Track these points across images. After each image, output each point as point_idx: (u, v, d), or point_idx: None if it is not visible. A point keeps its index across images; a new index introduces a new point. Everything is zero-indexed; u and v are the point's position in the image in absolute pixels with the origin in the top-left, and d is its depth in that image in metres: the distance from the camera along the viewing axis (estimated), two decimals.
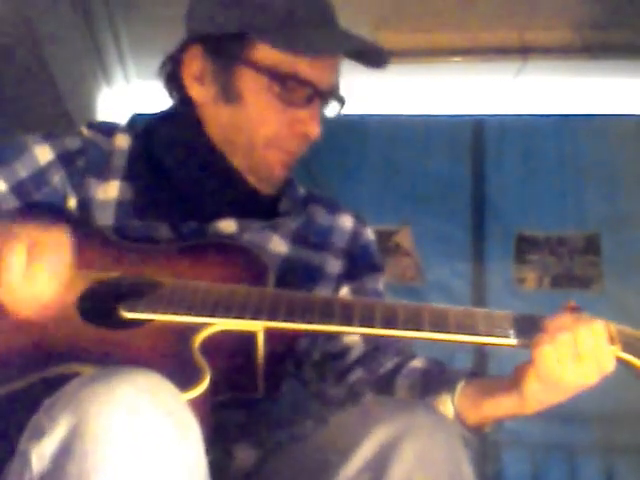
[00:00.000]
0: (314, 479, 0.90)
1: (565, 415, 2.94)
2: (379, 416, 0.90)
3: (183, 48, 1.22)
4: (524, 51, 2.87)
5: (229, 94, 1.19)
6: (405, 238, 3.14)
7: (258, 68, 1.17)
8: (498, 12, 2.71)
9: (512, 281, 3.08)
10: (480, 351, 2.87)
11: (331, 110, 1.25)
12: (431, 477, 0.86)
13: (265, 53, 1.17)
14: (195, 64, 1.21)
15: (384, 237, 3.13)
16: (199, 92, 1.21)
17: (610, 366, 0.98)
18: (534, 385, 0.99)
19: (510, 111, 3.26)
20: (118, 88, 3.15)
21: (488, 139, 3.21)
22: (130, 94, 3.15)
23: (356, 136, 3.18)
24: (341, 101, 1.25)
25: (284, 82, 1.16)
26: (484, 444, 2.95)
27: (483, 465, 2.93)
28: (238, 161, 1.21)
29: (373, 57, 1.21)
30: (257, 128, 1.19)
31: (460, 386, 1.09)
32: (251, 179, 1.22)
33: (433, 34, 2.86)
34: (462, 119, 3.25)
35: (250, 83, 1.18)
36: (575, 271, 3.06)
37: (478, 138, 3.21)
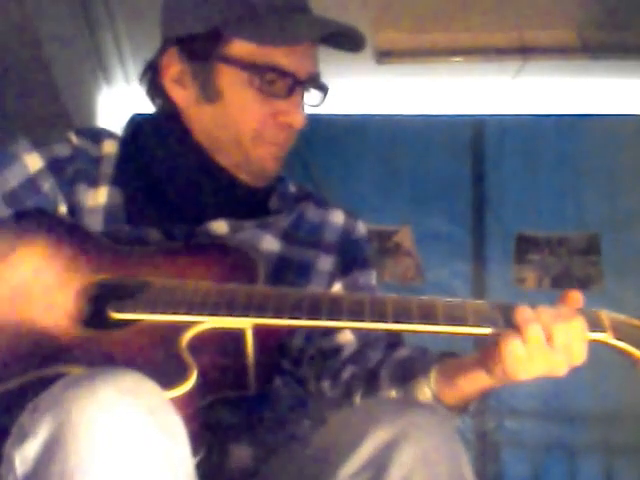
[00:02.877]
0: (312, 479, 0.90)
1: (565, 415, 2.95)
2: (379, 416, 0.90)
3: (160, 54, 1.23)
4: (524, 51, 2.87)
5: (210, 93, 1.19)
6: (405, 238, 3.14)
7: (235, 63, 1.17)
8: (498, 12, 2.72)
9: (512, 281, 3.09)
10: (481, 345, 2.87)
11: (314, 99, 1.25)
12: (431, 477, 0.85)
13: (240, 47, 1.17)
14: (174, 67, 1.21)
15: (384, 237, 3.13)
16: (181, 95, 1.21)
17: (580, 361, 0.98)
18: (504, 372, 0.99)
19: (510, 111, 3.27)
20: (118, 88, 3.15)
21: (488, 139, 3.21)
22: (130, 94, 3.15)
23: (356, 136, 3.19)
24: (323, 89, 1.25)
25: (263, 74, 1.16)
26: (484, 444, 2.96)
27: (483, 465, 2.93)
28: (227, 159, 1.21)
29: (349, 41, 1.21)
30: (241, 123, 1.18)
31: (435, 370, 1.10)
32: (243, 176, 1.21)
33: (433, 34, 2.86)
34: (462, 119, 3.25)
35: (229, 79, 1.18)
36: (575, 271, 3.06)
37: (478, 138, 3.22)
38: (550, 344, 0.95)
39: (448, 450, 0.88)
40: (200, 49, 1.18)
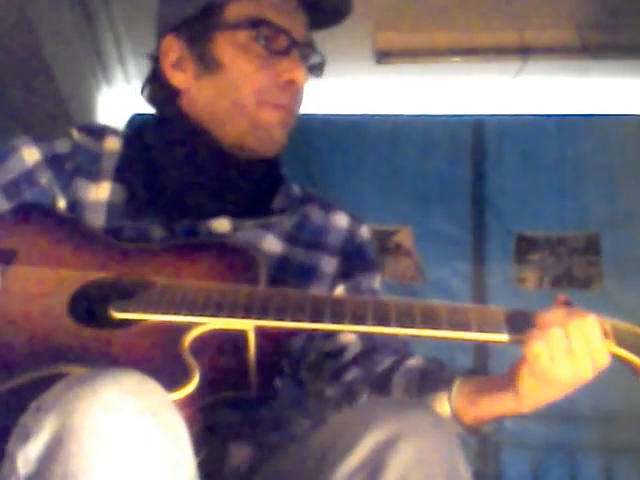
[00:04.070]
0: (310, 479, 0.90)
1: (565, 415, 2.95)
2: (375, 416, 0.89)
3: (158, 46, 1.24)
4: (524, 51, 2.87)
5: (209, 65, 1.20)
6: (405, 238, 3.14)
7: (230, 26, 1.19)
8: (498, 12, 2.71)
9: (512, 281, 3.08)
10: (480, 350, 2.87)
11: (314, 71, 1.27)
12: (427, 477, 0.85)
13: (235, 10, 1.20)
14: (172, 53, 1.23)
15: (384, 237, 3.13)
16: (181, 78, 1.22)
17: (604, 361, 0.96)
18: (528, 382, 0.97)
19: (510, 111, 3.26)
20: (118, 88, 3.15)
21: (488, 139, 3.21)
22: (130, 94, 3.15)
23: (356, 136, 3.18)
24: (320, 55, 1.26)
25: (259, 30, 1.18)
26: (484, 444, 2.95)
27: (483, 465, 2.93)
28: (233, 130, 1.20)
29: (335, 8, 1.27)
30: (243, 87, 1.19)
31: (457, 384, 1.06)
32: (252, 143, 1.21)
33: (433, 34, 2.86)
34: (462, 119, 3.24)
35: (227, 46, 1.20)
36: (575, 271, 3.06)
37: (478, 138, 3.21)
38: (569, 344, 0.94)
39: (445, 450, 0.87)
40: (196, 28, 1.21)
